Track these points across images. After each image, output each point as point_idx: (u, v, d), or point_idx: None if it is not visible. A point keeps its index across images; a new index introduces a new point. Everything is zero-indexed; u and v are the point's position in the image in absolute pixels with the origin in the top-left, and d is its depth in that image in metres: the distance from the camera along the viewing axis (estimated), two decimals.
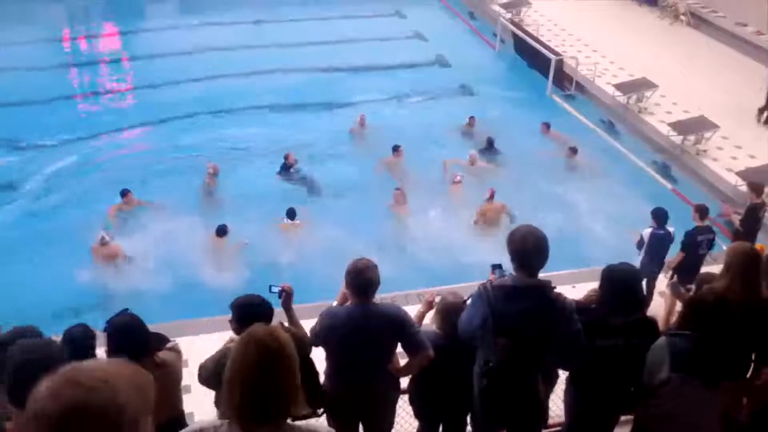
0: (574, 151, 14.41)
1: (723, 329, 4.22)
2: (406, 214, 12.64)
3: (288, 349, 2.88)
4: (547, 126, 15.52)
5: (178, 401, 5.06)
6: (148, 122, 15.87)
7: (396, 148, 14.00)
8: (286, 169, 13.74)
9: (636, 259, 9.31)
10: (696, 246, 9.21)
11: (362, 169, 14.04)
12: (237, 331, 4.64)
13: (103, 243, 10.95)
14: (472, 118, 15.70)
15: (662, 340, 4.52)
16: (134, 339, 4.60)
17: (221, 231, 11.51)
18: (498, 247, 5.38)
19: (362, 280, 4.77)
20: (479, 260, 8.45)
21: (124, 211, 12.31)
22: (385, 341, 4.96)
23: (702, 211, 9.57)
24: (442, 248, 11.51)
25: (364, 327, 4.82)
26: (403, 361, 5.16)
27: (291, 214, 11.97)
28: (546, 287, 4.48)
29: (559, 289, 4.58)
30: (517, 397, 4.55)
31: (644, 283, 9.10)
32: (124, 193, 12.32)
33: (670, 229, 9.47)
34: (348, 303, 5.01)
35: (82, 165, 14.01)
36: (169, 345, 4.95)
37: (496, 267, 5.03)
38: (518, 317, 4.39)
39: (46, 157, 14.16)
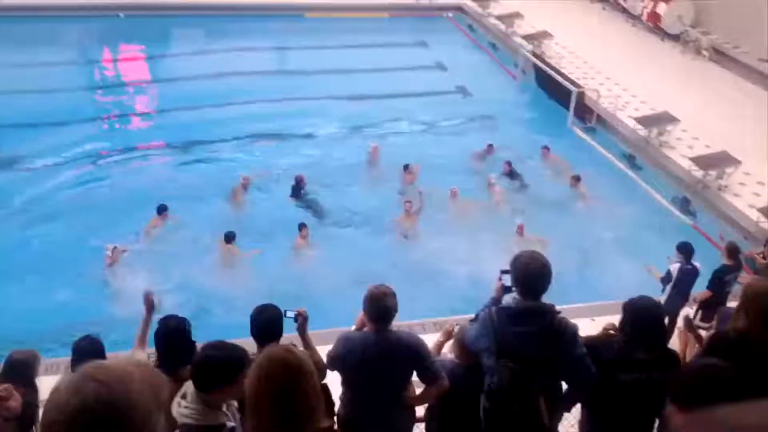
0: (577, 179, 14.47)
1: (744, 365, 4.15)
2: (412, 226, 12.86)
3: (308, 365, 2.96)
4: (547, 149, 15.70)
5: None
6: (161, 145, 16.10)
7: (407, 167, 14.37)
8: (297, 191, 13.82)
9: (656, 294, 9.20)
10: (723, 285, 9.10)
11: (377, 196, 14.07)
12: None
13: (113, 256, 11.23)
14: (490, 145, 15.76)
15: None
16: (178, 345, 4.83)
17: (229, 237, 11.83)
18: None
19: (379, 307, 4.76)
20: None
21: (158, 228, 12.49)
22: (400, 369, 4.96)
23: (731, 251, 9.46)
24: (462, 276, 11.49)
25: (380, 354, 4.81)
26: (418, 389, 5.12)
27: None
28: (549, 311, 4.52)
29: (578, 322, 4.58)
30: (520, 419, 4.53)
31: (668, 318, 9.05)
32: (161, 210, 12.51)
33: (696, 264, 9.38)
34: (365, 329, 5.00)
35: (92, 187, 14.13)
36: None
37: (505, 272, 5.02)
38: (521, 340, 4.44)
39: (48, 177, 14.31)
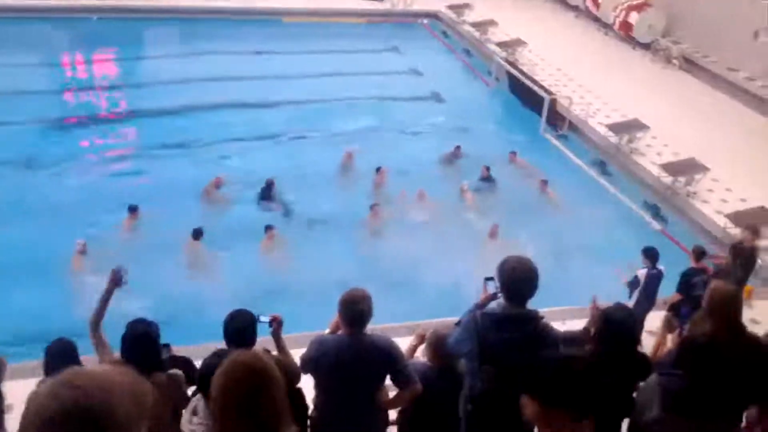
0: (545, 183, 14.80)
1: (714, 370, 4.25)
2: (378, 225, 13.13)
3: (273, 371, 2.94)
4: (513, 154, 16.01)
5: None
6: (133, 146, 16.15)
7: (378, 169, 14.63)
8: (267, 194, 13.89)
9: (623, 298, 9.36)
10: (691, 287, 9.25)
11: (349, 200, 14.15)
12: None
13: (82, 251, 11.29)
14: (458, 147, 16.01)
15: (653, 378, 4.56)
16: (146, 350, 4.78)
17: (197, 233, 11.95)
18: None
19: (354, 310, 4.77)
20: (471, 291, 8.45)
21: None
22: (374, 373, 4.97)
23: (697, 253, 9.71)
24: (434, 278, 11.57)
25: (354, 358, 4.82)
26: (392, 393, 5.17)
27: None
28: (533, 317, 4.54)
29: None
30: (502, 423, 4.59)
31: None
32: (132, 209, 12.60)
33: (661, 267, 9.56)
34: (339, 332, 5.03)
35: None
36: (173, 371, 5.04)
37: (489, 279, 5.06)
38: (505, 346, 4.45)
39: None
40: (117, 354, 5.02)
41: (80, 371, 1.90)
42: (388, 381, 5.07)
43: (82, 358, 5.63)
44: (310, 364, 4.96)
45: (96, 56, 21.10)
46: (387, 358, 4.91)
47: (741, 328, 4.98)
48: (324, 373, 4.95)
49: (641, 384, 4.64)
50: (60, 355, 5.35)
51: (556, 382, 3.09)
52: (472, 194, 14.49)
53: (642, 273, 9.52)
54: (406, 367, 4.99)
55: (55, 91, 18.48)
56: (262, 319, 5.11)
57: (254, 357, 3.01)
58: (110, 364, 4.62)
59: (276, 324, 5.21)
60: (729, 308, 4.97)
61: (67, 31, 21.92)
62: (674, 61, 21.62)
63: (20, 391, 5.00)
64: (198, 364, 5.60)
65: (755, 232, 10.60)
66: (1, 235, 12.27)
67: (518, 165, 15.96)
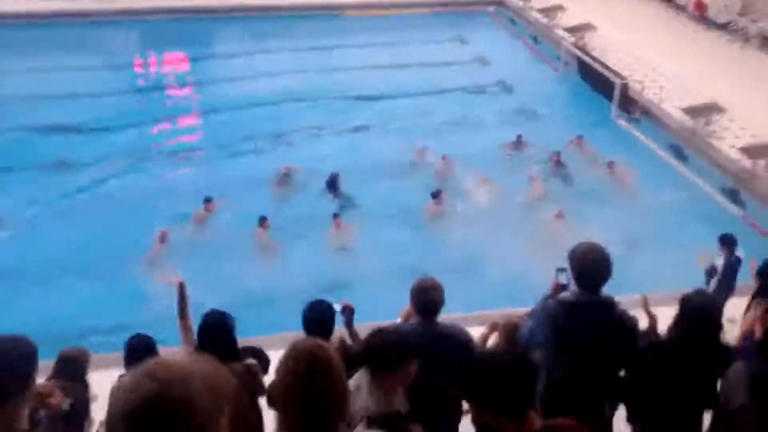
0: (612, 164, 14.58)
1: None
2: (441, 213, 13.14)
3: (336, 361, 2.93)
4: (580, 139, 15.64)
5: (259, 411, 5.19)
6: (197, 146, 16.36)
7: (444, 157, 14.64)
8: (333, 187, 13.92)
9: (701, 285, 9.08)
10: None
11: (415, 192, 14.02)
12: None
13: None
14: (519, 136, 15.79)
15: (740, 364, 4.39)
16: (221, 341, 4.85)
17: (262, 220, 12.27)
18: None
19: (427, 299, 4.75)
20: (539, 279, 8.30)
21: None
22: (449, 362, 4.91)
23: None
24: (500, 267, 11.53)
25: (428, 346, 4.75)
26: None
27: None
28: (609, 303, 4.43)
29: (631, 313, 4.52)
30: (580, 414, 4.48)
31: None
32: (208, 200, 12.86)
33: (740, 254, 9.22)
34: (411, 320, 4.99)
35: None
36: (248, 361, 5.13)
37: (561, 270, 4.96)
38: (580, 334, 4.37)
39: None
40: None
41: (161, 362, 1.92)
42: None
43: (160, 350, 5.78)
44: None
45: (159, 58, 21.57)
46: (462, 346, 4.85)
47: None
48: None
49: (728, 372, 4.46)
50: (139, 350, 5.45)
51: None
52: (540, 182, 14.23)
53: (719, 261, 9.20)
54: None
55: (123, 92, 18.83)
56: (336, 306, 5.14)
57: (317, 345, 3.01)
58: (190, 354, 4.72)
59: (348, 312, 5.22)
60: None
61: (128, 33, 22.54)
62: (752, 40, 20.83)
63: (104, 381, 5.17)
64: (270, 353, 5.68)
65: None
66: (80, 229, 12.68)
67: (584, 151, 15.61)
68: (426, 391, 4.92)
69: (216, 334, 4.88)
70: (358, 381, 4.05)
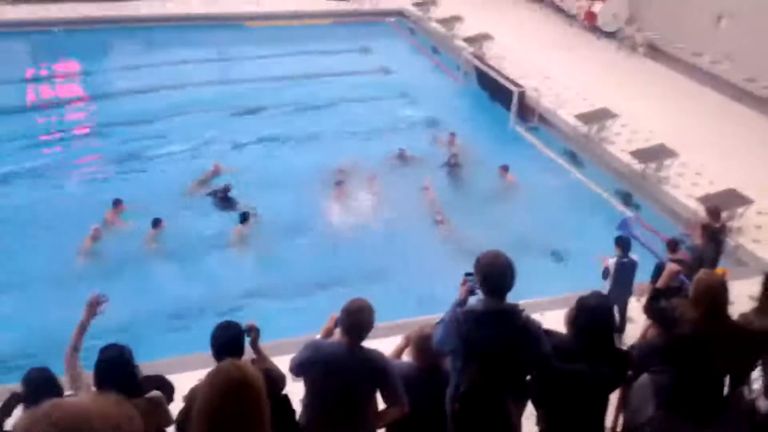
0: (505, 169, 14.98)
1: (703, 365, 4.26)
2: (343, 199, 13.64)
3: (254, 381, 2.92)
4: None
5: None
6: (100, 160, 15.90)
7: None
8: (223, 198, 13.93)
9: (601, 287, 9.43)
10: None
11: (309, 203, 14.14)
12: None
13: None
14: (402, 149, 16.01)
15: (645, 377, 4.56)
16: (122, 376, 4.56)
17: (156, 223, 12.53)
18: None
19: (355, 320, 4.79)
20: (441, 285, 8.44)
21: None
22: (367, 386, 4.96)
23: (672, 245, 9.84)
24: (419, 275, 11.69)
25: (350, 367, 4.81)
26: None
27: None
28: (515, 312, 4.55)
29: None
30: (489, 421, 4.58)
31: (616, 309, 9.26)
32: (117, 203, 13.09)
33: (634, 257, 9.63)
34: (334, 338, 5.01)
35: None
36: (152, 393, 4.89)
37: (469, 275, 5.04)
38: (488, 342, 4.45)
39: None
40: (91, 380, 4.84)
41: (57, 404, 1.82)
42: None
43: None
44: (305, 366, 4.94)
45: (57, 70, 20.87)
46: (381, 374, 4.91)
47: (725, 314, 5.00)
48: (318, 377, 4.93)
49: (634, 385, 4.63)
50: (39, 385, 5.07)
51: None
52: (433, 192, 14.46)
53: (612, 262, 9.59)
54: (397, 386, 4.97)
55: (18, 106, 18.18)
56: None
57: (234, 366, 3.00)
58: (89, 393, 4.50)
59: (254, 333, 5.17)
60: (715, 297, 4.98)
61: (19, 44, 21.65)
62: (639, 48, 21.80)
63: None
64: (173, 378, 5.55)
65: (714, 214, 10.78)
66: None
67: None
68: (342, 408, 4.94)
69: (114, 369, 4.60)
70: None
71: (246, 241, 12.80)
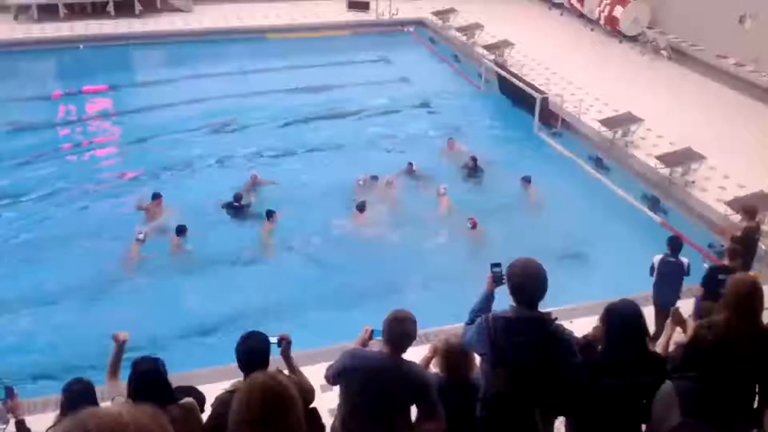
0: (527, 180, 14.75)
1: (726, 370, 4.14)
2: (362, 224, 13.46)
3: (290, 391, 2.92)
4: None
5: None
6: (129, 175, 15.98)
7: (375, 177, 14.89)
8: (236, 208, 13.94)
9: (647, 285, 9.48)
10: (716, 283, 9.05)
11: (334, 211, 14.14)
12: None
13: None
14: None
15: (668, 385, 4.44)
16: (156, 387, 4.69)
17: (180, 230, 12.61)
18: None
19: (398, 330, 4.76)
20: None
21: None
22: (405, 398, 4.90)
23: (732, 253, 9.44)
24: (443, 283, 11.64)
25: (389, 378, 4.76)
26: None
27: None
28: (546, 319, 4.49)
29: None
30: (517, 428, 4.51)
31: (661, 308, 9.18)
32: (156, 196, 13.58)
33: (684, 260, 9.48)
34: (378, 349, 4.97)
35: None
36: (185, 400, 4.96)
37: (495, 265, 5.04)
38: (518, 349, 4.41)
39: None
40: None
41: (93, 413, 1.84)
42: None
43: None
44: (343, 374, 4.91)
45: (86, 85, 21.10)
46: (422, 388, 4.86)
47: (757, 319, 4.83)
48: (356, 386, 4.88)
49: (657, 393, 4.52)
50: (77, 396, 5.24)
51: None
52: (447, 200, 14.32)
53: (657, 258, 9.53)
54: (436, 400, 4.90)
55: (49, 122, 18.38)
56: (271, 339, 5.06)
57: (270, 377, 3.00)
58: (124, 403, 4.55)
59: (285, 343, 5.15)
60: (746, 299, 4.82)
61: (49, 61, 21.90)
62: (662, 51, 21.62)
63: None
64: (203, 388, 5.56)
65: (751, 213, 10.57)
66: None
67: (454, 150, 16.25)
68: (378, 419, 4.89)
69: (149, 381, 4.71)
70: None
71: (273, 236, 13.01)
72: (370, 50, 23.60)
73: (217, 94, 19.50)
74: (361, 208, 13.61)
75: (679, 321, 7.75)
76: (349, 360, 4.90)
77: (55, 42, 22.24)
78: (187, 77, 20.77)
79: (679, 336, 6.61)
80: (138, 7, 24.10)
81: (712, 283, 8.87)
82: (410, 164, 15.59)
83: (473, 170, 15.42)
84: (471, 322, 4.89)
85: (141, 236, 12.43)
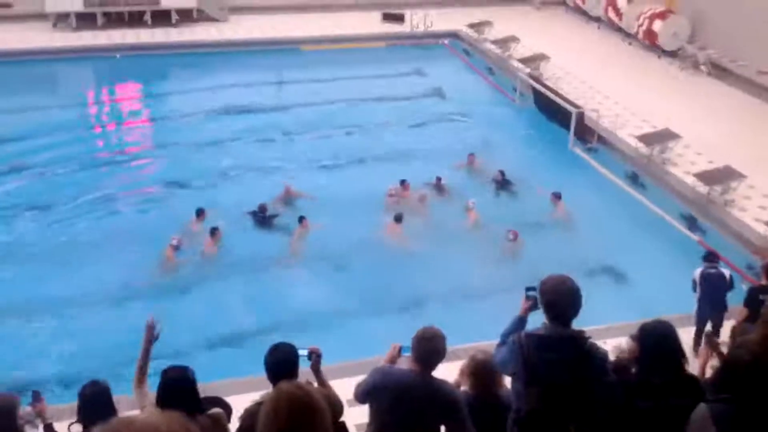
0: (557, 196, 14.52)
1: (762, 390, 3.99)
2: (399, 238, 13.39)
3: (319, 403, 2.91)
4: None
5: None
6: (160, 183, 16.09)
7: (403, 182, 14.95)
8: (260, 218, 13.98)
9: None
10: (758, 304, 8.82)
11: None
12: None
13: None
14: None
15: (702, 407, 4.30)
16: (186, 395, 4.65)
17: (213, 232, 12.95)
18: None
19: (428, 348, 4.72)
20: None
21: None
22: (434, 418, 4.83)
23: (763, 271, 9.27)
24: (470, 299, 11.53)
25: (419, 396, 4.70)
26: None
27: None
28: (579, 338, 4.42)
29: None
30: None
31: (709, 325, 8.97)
32: (199, 212, 13.61)
33: (725, 271, 9.26)
34: (406, 366, 4.91)
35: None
36: (213, 410, 4.94)
37: (530, 289, 4.96)
38: (551, 367, 4.34)
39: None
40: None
41: (127, 421, 1.85)
42: None
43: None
44: (372, 393, 4.87)
45: (120, 93, 21.35)
46: (452, 406, 4.81)
47: None
48: (386, 404, 4.83)
49: (691, 416, 4.37)
50: (94, 400, 5.27)
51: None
52: (475, 214, 14.24)
53: (697, 272, 9.27)
54: (466, 420, 4.84)
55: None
56: (301, 352, 5.00)
57: (299, 388, 2.99)
58: (154, 411, 4.54)
59: (315, 356, 5.10)
60: None
61: (82, 70, 22.24)
62: (702, 67, 21.29)
63: None
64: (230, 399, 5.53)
65: None
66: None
67: (476, 167, 16.27)
68: None
69: (179, 390, 4.67)
70: None
71: (303, 241, 13.16)
72: (405, 62, 23.55)
73: (252, 104, 19.60)
74: (398, 218, 13.63)
75: (713, 345, 7.56)
76: (379, 378, 4.88)
77: (92, 50, 22.54)
78: (220, 86, 20.84)
79: (714, 361, 6.43)
80: (174, 16, 24.37)
81: (754, 304, 8.56)
82: (438, 179, 15.47)
83: (501, 184, 15.30)
84: (502, 343, 4.83)
85: (175, 242, 12.59)
